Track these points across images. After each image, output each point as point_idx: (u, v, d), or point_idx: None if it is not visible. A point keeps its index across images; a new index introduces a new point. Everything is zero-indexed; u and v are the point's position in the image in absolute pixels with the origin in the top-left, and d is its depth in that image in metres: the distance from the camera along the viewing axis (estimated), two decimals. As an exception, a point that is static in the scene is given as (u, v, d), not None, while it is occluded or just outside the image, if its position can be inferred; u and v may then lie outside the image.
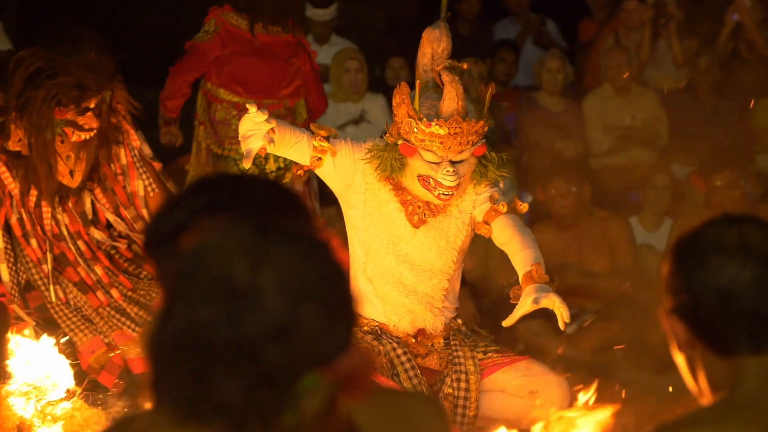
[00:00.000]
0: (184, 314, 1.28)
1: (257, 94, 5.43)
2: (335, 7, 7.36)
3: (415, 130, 3.58)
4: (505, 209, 3.68)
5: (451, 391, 3.72)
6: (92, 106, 4.05)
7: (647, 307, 5.20)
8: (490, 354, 3.81)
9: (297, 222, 1.59)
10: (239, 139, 3.55)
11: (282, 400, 1.26)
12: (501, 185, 3.81)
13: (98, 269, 4.24)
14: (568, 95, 7.31)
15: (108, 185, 4.27)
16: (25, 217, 4.18)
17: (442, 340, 3.81)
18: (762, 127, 7.14)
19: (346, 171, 3.72)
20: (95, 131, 4.10)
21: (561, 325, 3.45)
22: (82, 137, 4.09)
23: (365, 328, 3.79)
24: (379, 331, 3.78)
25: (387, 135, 3.70)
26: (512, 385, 3.75)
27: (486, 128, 3.63)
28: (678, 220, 6.21)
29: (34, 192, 4.17)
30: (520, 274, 3.52)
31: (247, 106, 3.49)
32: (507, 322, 3.52)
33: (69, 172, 4.20)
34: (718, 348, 1.67)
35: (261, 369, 1.25)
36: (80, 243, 4.26)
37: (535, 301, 3.41)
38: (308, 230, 1.35)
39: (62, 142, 4.10)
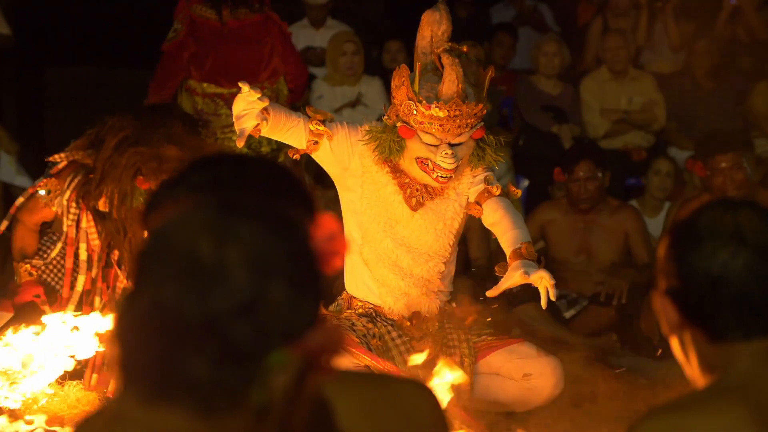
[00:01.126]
0: (150, 293, 1.27)
1: (238, 82, 5.43)
2: (331, -10, 7.34)
3: (415, 112, 3.57)
4: (498, 191, 3.67)
5: (446, 374, 3.72)
6: None
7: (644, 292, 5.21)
8: (484, 337, 3.81)
9: (286, 202, 1.58)
10: (233, 119, 3.54)
11: (250, 376, 1.26)
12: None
13: None
14: (564, 79, 7.28)
15: None
16: (95, 275, 4.21)
17: (437, 323, 3.81)
18: (760, 112, 7.12)
19: (342, 154, 3.71)
20: None
21: (543, 303, 3.35)
22: None
23: (360, 310, 3.79)
24: (374, 314, 3.78)
25: (385, 117, 3.69)
26: (506, 368, 3.75)
27: (485, 111, 3.63)
28: (675, 205, 6.19)
29: (116, 253, 4.22)
30: (509, 251, 3.47)
31: (240, 85, 3.48)
32: (491, 293, 3.48)
33: None
34: (707, 332, 1.67)
35: (228, 346, 1.25)
36: None
37: (526, 273, 3.36)
38: (280, 208, 1.34)
39: None
